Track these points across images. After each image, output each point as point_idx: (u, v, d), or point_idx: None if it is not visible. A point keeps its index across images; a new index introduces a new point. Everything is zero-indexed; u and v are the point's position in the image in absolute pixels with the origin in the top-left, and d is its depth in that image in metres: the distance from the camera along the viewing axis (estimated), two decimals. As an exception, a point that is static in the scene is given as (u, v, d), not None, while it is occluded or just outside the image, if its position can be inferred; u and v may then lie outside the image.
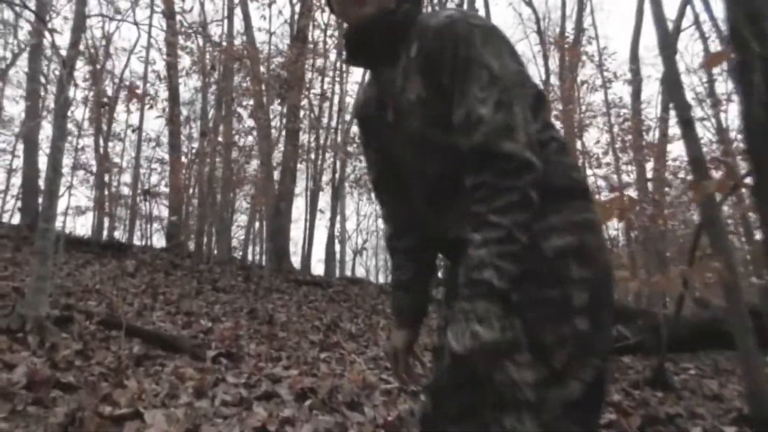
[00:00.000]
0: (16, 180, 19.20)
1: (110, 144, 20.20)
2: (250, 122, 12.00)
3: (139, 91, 13.85)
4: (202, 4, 15.89)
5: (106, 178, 19.33)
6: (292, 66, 9.97)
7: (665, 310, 6.62)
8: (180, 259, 11.09)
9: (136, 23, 10.89)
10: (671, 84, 4.71)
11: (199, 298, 6.99)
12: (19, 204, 16.14)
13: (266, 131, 14.06)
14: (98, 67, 18.51)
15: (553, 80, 17.09)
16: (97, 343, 4.20)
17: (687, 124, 4.39)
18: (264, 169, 13.87)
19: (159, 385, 3.41)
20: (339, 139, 16.83)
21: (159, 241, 20.22)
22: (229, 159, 12.07)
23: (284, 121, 13.85)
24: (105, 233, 18.28)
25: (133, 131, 17.56)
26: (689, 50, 33.71)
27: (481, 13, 15.32)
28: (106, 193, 19.07)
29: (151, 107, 15.93)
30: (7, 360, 3.43)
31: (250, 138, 13.45)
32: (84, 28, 5.10)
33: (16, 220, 14.72)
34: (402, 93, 1.24)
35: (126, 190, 20.69)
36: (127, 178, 20.82)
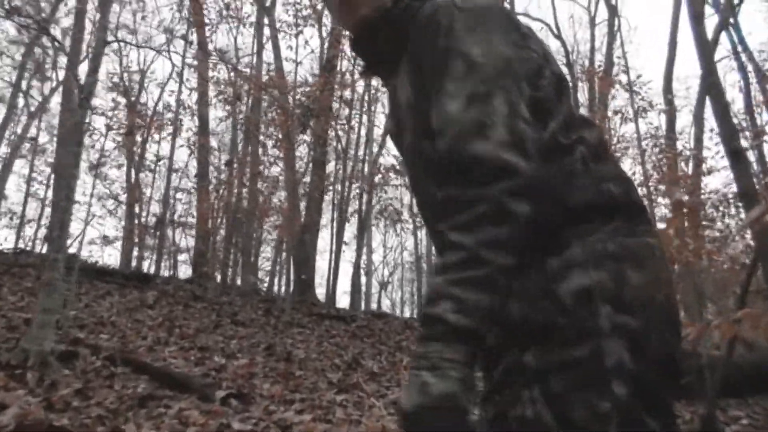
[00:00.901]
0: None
1: (141, 175, 20.45)
2: (276, 152, 11.94)
3: (167, 120, 13.98)
4: (234, 39, 16.15)
5: (137, 209, 19.56)
6: (320, 95, 9.88)
7: (707, 349, 6.14)
8: (203, 291, 10.92)
9: (168, 52, 10.84)
10: (718, 110, 4.38)
11: (216, 332, 6.75)
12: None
13: (292, 162, 14.02)
14: (132, 99, 18.96)
15: (583, 113, 16.77)
16: (100, 381, 3.97)
17: (735, 155, 4.04)
18: (290, 199, 13.78)
19: (159, 430, 3.15)
20: (366, 169, 16.74)
21: (186, 271, 20.24)
22: (254, 189, 12.00)
23: (310, 151, 13.83)
24: (134, 263, 18.38)
25: (159, 161, 17.66)
26: (725, 80, 32.92)
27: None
28: (136, 222, 19.27)
29: (174, 137, 16.10)
30: (0, 399, 3.21)
31: (277, 169, 13.44)
32: (102, 54, 5.02)
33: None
34: (399, 102, 1.06)
35: (154, 221, 20.83)
36: (155, 208, 21.03)
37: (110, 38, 6.43)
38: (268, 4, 13.84)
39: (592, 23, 18.72)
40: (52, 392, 3.58)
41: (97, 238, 20.05)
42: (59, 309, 4.41)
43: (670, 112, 15.48)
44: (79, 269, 11.26)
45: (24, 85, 18.91)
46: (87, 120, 4.51)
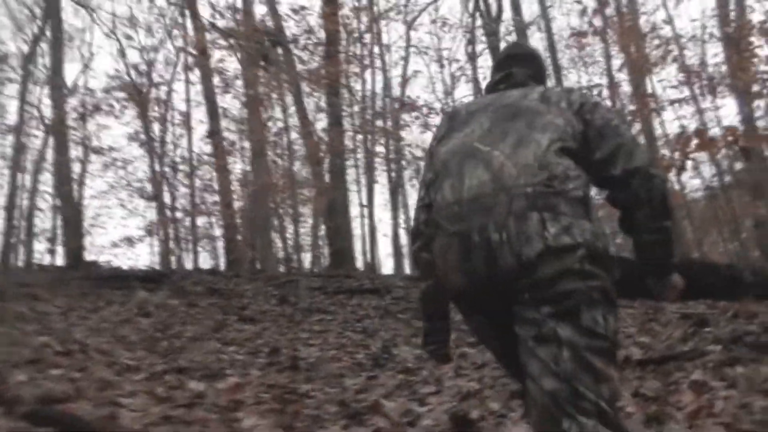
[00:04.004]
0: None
1: (166, 170, 19.50)
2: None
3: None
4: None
5: (167, 200, 18.72)
6: (328, 18, 8.38)
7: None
8: (224, 283, 9.83)
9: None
10: None
11: (216, 336, 5.55)
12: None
13: (306, 128, 12.70)
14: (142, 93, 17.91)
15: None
16: (-6, 460, 2.75)
17: None
18: (314, 169, 12.55)
19: None
20: (389, 123, 15.40)
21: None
22: (262, 163, 10.72)
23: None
24: (173, 261, 17.68)
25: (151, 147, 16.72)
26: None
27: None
28: (168, 215, 18.48)
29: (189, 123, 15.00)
30: None
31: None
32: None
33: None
34: None
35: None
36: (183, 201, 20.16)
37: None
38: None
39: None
40: None
41: (121, 240, 19.25)
42: None
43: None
44: (85, 277, 10.41)
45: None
46: None
